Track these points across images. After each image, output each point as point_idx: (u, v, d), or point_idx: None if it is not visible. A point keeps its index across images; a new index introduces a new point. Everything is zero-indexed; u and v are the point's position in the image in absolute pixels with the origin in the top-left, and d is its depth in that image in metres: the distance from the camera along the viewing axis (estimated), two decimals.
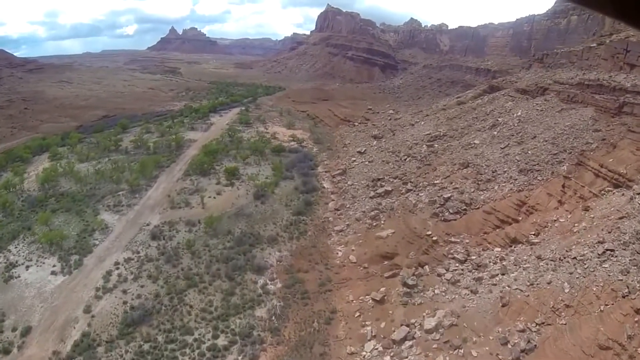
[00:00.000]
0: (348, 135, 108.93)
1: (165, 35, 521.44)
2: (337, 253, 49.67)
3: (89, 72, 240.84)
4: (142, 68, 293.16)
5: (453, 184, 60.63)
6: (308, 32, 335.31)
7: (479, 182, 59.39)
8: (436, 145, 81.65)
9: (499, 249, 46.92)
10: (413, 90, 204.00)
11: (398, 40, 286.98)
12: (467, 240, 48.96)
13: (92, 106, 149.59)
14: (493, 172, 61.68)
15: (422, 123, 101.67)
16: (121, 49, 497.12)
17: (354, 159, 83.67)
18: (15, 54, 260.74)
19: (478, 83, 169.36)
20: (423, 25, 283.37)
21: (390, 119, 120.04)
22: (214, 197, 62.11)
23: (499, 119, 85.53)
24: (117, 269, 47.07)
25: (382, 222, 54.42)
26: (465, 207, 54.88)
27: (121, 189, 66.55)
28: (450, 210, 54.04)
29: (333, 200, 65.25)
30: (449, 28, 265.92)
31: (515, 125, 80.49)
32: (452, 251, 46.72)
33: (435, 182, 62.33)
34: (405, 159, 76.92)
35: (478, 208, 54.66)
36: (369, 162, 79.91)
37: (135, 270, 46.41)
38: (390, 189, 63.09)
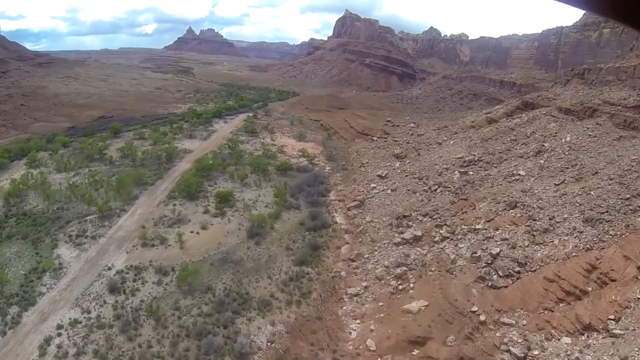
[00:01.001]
0: (366, 152, 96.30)
1: (183, 35, 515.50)
2: (350, 332, 36.52)
3: (99, 69, 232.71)
4: (156, 67, 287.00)
5: (500, 231, 47.66)
6: (325, 38, 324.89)
7: (534, 233, 46.33)
8: (471, 173, 68.99)
9: (569, 340, 34.08)
10: (432, 102, 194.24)
11: (417, 49, 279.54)
12: (525, 322, 36.12)
13: (91, 105, 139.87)
14: (550, 219, 48.62)
15: (452, 142, 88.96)
16: (139, 47, 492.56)
17: (373, 185, 70.95)
18: (35, 48, 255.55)
19: (503, 97, 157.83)
20: (442, 35, 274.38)
21: (412, 134, 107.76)
22: (198, 233, 49.83)
23: (544, 144, 72.90)
24: (59, 335, 35.46)
25: (411, 284, 41.49)
26: (518, 268, 41.91)
27: (91, 212, 55.25)
28: (500, 273, 41.12)
29: (347, 243, 52.01)
30: (470, 38, 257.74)
31: (566, 153, 67.94)
32: (505, 339, 33.89)
33: (477, 227, 49.36)
34: (435, 189, 64.21)
35: (535, 270, 41.71)
36: (392, 190, 67.12)
37: (80, 340, 34.61)
38: (420, 234, 50.18)
